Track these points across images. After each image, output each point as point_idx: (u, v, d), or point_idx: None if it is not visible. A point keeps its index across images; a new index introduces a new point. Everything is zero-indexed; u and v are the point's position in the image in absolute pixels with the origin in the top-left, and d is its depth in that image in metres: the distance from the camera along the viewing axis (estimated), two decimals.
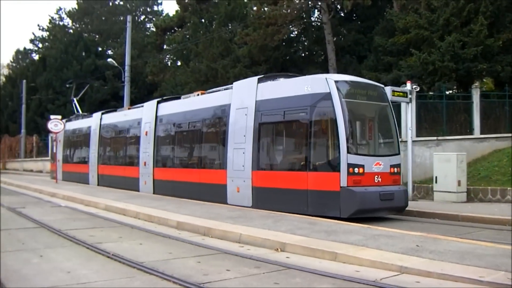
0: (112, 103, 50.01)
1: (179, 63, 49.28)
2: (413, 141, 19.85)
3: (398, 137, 16.34)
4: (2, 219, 15.33)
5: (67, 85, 45.80)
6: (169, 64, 52.00)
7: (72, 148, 34.18)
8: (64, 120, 34.47)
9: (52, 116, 33.08)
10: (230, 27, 39.98)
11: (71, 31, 72.42)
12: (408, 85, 19.55)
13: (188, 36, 45.08)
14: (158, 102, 23.44)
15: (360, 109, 15.61)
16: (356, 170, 14.07)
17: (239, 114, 17.24)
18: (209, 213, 14.76)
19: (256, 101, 16.64)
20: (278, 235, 10.77)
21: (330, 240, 10.14)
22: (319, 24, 35.82)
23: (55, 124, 31.08)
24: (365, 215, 14.15)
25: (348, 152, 14.04)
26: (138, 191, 23.50)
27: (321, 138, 15.01)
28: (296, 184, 15.03)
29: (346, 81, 15.46)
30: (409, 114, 19.76)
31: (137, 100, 42.23)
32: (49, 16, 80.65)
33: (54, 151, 36.59)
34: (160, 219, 14.14)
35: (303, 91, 15.15)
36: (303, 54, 40.37)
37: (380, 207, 14.63)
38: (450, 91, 26.59)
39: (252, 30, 33.86)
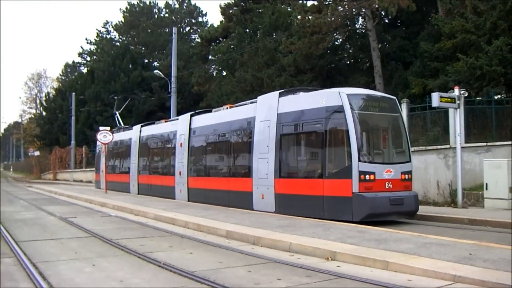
0: (159, 114, 50.56)
1: (224, 73, 49.49)
2: (462, 148, 19.49)
3: (409, 145, 17.05)
4: (55, 228, 15.74)
5: (110, 98, 46.80)
6: (215, 74, 52.34)
7: (115, 159, 35.53)
8: None
9: (101, 128, 33.79)
10: (274, 36, 39.99)
11: (118, 44, 73.53)
12: (456, 91, 19.26)
13: (233, 46, 45.25)
14: (192, 115, 24.77)
15: (372, 120, 16.65)
16: (367, 177, 15.07)
17: (263, 126, 18.47)
18: (258, 222, 14.82)
19: (277, 114, 17.83)
20: (328, 244, 10.73)
21: (380, 249, 10.07)
22: (363, 31, 35.61)
23: (104, 135, 31.78)
24: (376, 219, 14.92)
25: (360, 160, 15.05)
26: (174, 199, 24.82)
27: (335, 147, 16.01)
28: (314, 191, 16.10)
29: (358, 94, 16.49)
30: (457, 120, 19.43)
31: (183, 110, 42.53)
32: (97, 30, 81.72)
33: (99, 162, 38.15)
34: (209, 229, 14.20)
35: (319, 104, 16.23)
36: (348, 62, 40.22)
37: (390, 211, 15.54)
38: (499, 96, 26.11)
39: (296, 39, 33.86)
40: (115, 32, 77.30)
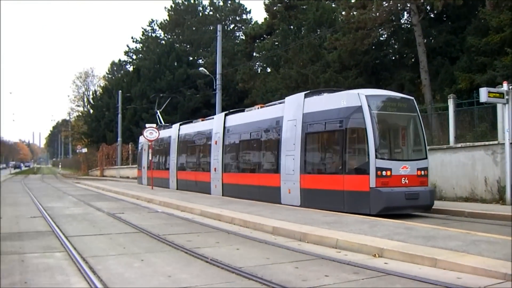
0: (204, 110, 50.78)
1: (269, 70, 49.46)
2: (511, 144, 19.17)
3: (426, 143, 17.73)
4: (103, 224, 16.04)
5: (152, 98, 47.42)
6: (259, 71, 52.36)
7: (155, 156, 36.48)
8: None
9: (147, 125, 34.23)
10: (319, 32, 39.84)
11: (163, 42, 74.05)
12: (505, 86, 18.91)
13: (277, 43, 45.21)
14: (226, 115, 26.31)
15: (390, 120, 17.63)
16: (384, 173, 16.06)
17: (290, 125, 19.67)
18: (304, 218, 14.81)
19: (303, 113, 18.97)
20: (375, 241, 10.70)
21: (428, 246, 9.96)
22: (409, 26, 35.15)
23: (150, 132, 32.32)
24: (391, 212, 15.77)
25: (377, 157, 16.05)
26: (210, 194, 26.28)
27: (354, 145, 17.09)
28: (335, 185, 17.20)
29: (376, 95, 17.49)
30: (506, 115, 19.05)
31: (228, 107, 42.67)
32: (142, 28, 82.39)
33: (141, 159, 40.23)
34: (255, 225, 14.29)
35: (340, 104, 17.30)
36: (393, 58, 39.76)
37: (406, 205, 16.47)
38: None
39: (341, 35, 33.70)
40: (160, 30, 77.93)
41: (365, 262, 9.42)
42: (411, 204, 16.55)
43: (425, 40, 32.86)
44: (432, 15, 35.81)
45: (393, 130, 17.97)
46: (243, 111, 25.86)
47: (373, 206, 15.94)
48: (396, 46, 39.39)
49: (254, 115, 23.64)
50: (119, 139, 62.19)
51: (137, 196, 26.84)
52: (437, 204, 18.60)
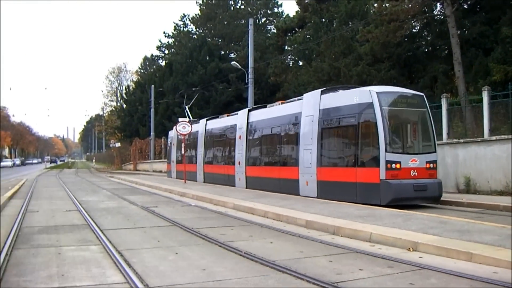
0: (236, 104, 50.80)
1: (300, 63, 49.25)
2: None
3: (435, 138, 18.74)
4: (137, 217, 16.23)
5: (180, 94, 47.90)
6: (291, 65, 52.14)
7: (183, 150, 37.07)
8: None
9: (180, 119, 34.52)
10: (351, 25, 39.58)
11: (195, 36, 74.19)
12: None
13: (309, 36, 44.99)
14: (249, 111, 27.77)
15: (400, 115, 18.59)
16: (393, 165, 17.01)
17: (307, 121, 20.76)
18: (337, 212, 14.82)
19: (319, 109, 20.04)
20: (409, 234, 10.66)
21: (464, 240, 9.90)
22: (442, 17, 34.71)
23: (183, 126, 32.66)
24: (400, 203, 16.64)
25: (387, 151, 17.01)
26: (234, 186, 27.65)
27: (366, 139, 17.93)
28: (348, 178, 18.22)
29: (387, 92, 18.35)
30: None
31: (260, 101, 42.76)
32: (174, 23, 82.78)
33: (170, 153, 41.92)
34: (288, 218, 14.33)
35: (353, 101, 18.30)
36: (426, 50, 39.26)
37: (415, 197, 17.32)
38: None
39: (373, 27, 33.41)
40: (192, 25, 78.01)
41: (400, 256, 9.40)
42: (419, 195, 17.41)
43: (459, 32, 32.38)
44: (465, 6, 35.34)
45: (403, 125, 18.88)
46: (265, 107, 26.99)
47: (383, 197, 16.93)
48: (429, 38, 38.88)
49: (275, 111, 24.78)
50: (152, 133, 62.55)
51: (170, 189, 27.07)
52: (472, 198, 18.58)
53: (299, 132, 21.43)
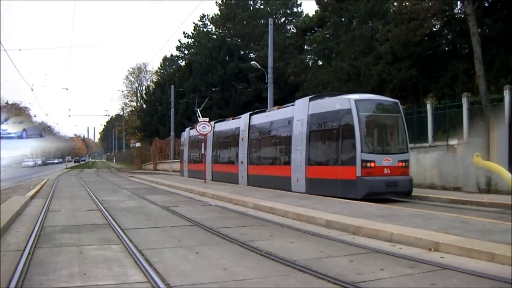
0: (256, 104, 50.71)
1: (320, 63, 49.12)
2: None
3: (407, 140, 20.90)
4: (158, 217, 16.29)
5: (192, 97, 48.36)
6: (311, 64, 52.01)
7: (194, 150, 40.33)
8: (188, 129, 42.38)
9: (200, 119, 34.58)
10: (370, 24, 39.45)
11: (214, 36, 74.18)
12: None
13: (328, 36, 44.92)
14: (251, 115, 30.33)
15: (376, 120, 20.87)
16: (368, 164, 19.31)
17: (298, 124, 23.25)
18: (357, 211, 14.82)
19: (308, 114, 22.50)
20: (430, 234, 10.60)
21: (486, 240, 9.82)
22: (462, 16, 34.44)
23: (203, 126, 32.90)
24: (374, 197, 18.71)
25: (362, 151, 19.32)
26: (238, 183, 30.18)
27: (345, 141, 20.11)
28: (331, 175, 20.59)
29: (364, 99, 20.76)
30: None
31: (279, 100, 42.67)
32: (194, 23, 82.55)
33: (183, 153, 44.23)
34: (308, 218, 14.32)
35: (335, 107, 20.78)
36: (446, 48, 39.00)
37: (387, 191, 19.49)
38: None
39: (393, 26, 33.24)
40: (211, 25, 78.01)
41: (421, 256, 9.35)
42: (391, 190, 19.60)
43: (479, 30, 32.11)
44: (486, 4, 35.03)
45: (379, 128, 21.01)
46: (264, 111, 30.03)
47: (359, 192, 19.19)
48: (449, 37, 38.61)
49: (273, 115, 27.52)
50: (172, 133, 62.68)
51: (190, 189, 27.18)
52: (493, 198, 18.41)
53: (291, 135, 23.92)
